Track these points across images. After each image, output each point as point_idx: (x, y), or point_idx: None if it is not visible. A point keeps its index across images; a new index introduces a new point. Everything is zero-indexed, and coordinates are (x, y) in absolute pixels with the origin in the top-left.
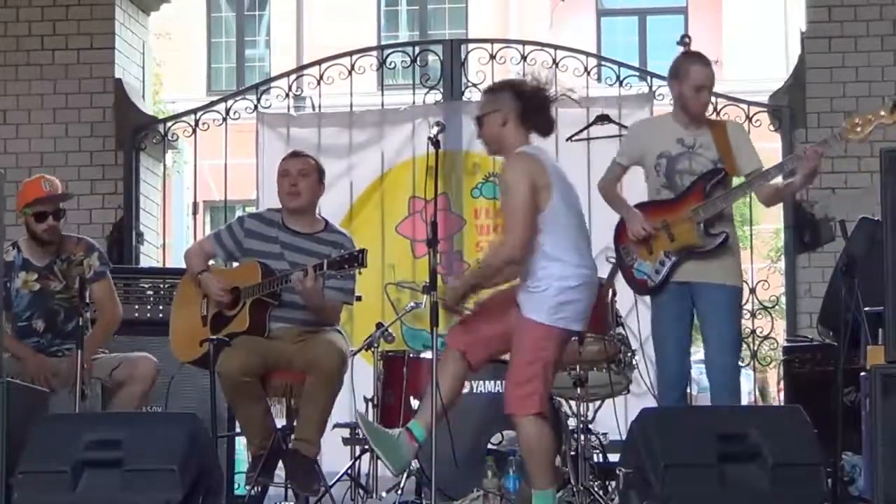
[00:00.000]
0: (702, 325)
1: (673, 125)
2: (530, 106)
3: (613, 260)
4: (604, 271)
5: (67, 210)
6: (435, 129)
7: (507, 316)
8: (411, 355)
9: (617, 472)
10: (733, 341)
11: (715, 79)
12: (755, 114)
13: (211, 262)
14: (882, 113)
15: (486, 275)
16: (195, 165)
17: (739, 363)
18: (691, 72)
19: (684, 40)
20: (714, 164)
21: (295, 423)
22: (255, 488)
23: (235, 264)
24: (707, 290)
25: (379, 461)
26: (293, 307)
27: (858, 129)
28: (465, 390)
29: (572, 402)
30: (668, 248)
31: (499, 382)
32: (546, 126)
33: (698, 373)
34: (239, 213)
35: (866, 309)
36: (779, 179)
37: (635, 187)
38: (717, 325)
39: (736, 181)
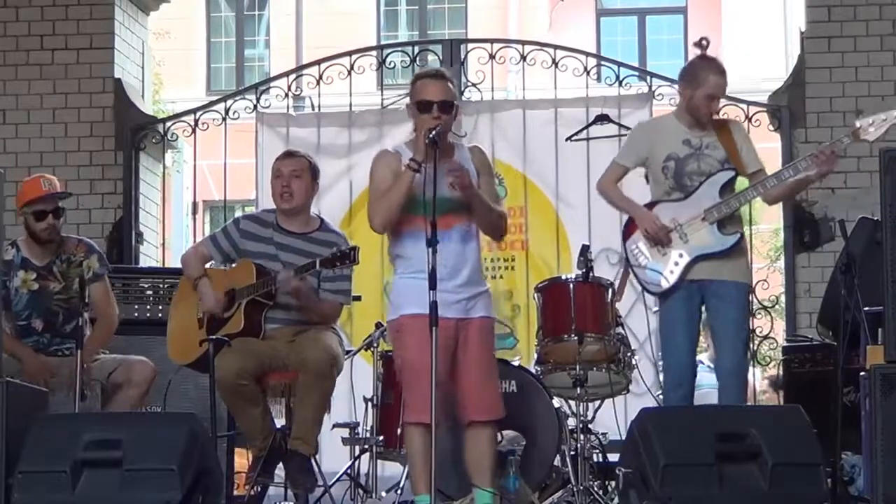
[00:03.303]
0: (710, 319)
1: (677, 126)
2: None
3: (622, 261)
4: (604, 272)
5: (67, 210)
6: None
7: (448, 343)
8: None
9: (617, 472)
10: (742, 335)
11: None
12: (755, 113)
13: (208, 264)
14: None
15: (483, 205)
16: (195, 165)
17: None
18: (709, 81)
19: (702, 43)
20: (721, 164)
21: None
22: (255, 488)
23: (233, 265)
24: (719, 287)
25: (378, 461)
26: (287, 308)
27: (872, 128)
28: None
29: (572, 402)
30: (682, 248)
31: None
32: None
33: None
34: (238, 213)
35: (866, 309)
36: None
37: (635, 188)
38: (726, 319)
39: (740, 181)
